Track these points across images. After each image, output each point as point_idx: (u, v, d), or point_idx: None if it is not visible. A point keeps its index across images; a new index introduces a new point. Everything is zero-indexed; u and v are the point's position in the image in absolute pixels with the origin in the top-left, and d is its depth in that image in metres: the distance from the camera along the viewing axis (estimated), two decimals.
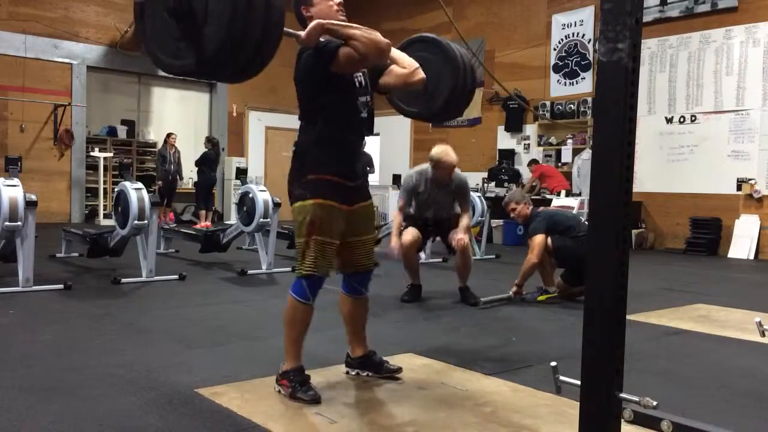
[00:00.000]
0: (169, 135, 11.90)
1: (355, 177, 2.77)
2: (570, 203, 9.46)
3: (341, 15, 2.65)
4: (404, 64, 2.78)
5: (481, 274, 6.71)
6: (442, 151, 4.79)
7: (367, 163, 12.00)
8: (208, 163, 11.67)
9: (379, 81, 2.82)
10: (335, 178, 2.67)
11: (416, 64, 2.78)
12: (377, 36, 2.48)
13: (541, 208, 5.37)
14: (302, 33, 2.48)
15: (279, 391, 2.69)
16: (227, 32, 1.89)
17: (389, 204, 11.73)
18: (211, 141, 11.93)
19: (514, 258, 8.36)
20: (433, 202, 5.01)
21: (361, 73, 2.74)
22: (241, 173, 7.51)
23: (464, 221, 4.97)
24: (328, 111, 2.65)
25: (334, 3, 2.67)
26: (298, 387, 2.62)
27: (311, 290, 2.67)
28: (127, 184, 5.55)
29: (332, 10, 2.65)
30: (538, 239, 4.87)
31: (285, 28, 2.28)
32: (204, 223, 11.34)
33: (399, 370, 2.96)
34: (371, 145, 12.71)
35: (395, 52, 2.79)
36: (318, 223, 2.62)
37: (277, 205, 6.45)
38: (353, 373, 2.98)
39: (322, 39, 2.53)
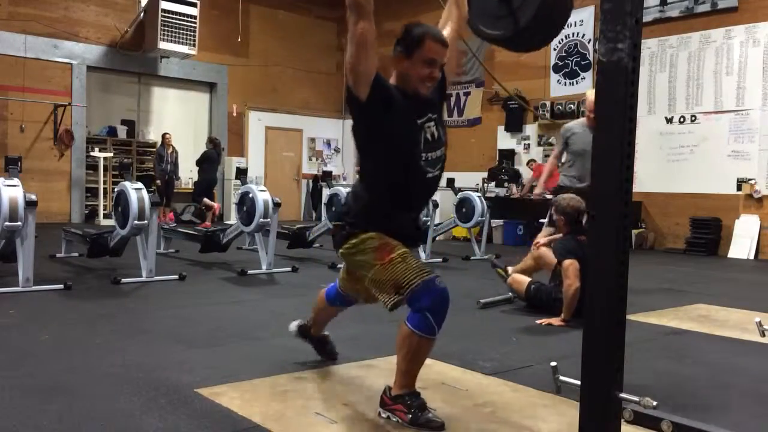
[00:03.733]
0: (164, 135, 11.92)
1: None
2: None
3: (427, 85, 2.43)
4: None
5: (480, 274, 6.72)
6: (590, 89, 4.64)
7: None
8: (209, 162, 11.68)
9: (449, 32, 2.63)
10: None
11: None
12: None
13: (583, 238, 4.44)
14: None
15: (387, 417, 2.41)
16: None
17: None
18: (213, 141, 11.95)
19: (514, 258, 8.35)
20: (586, 153, 4.89)
21: (433, 123, 2.47)
22: (241, 173, 7.50)
23: None
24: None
25: (426, 73, 2.39)
26: (419, 413, 2.34)
27: (437, 315, 2.31)
28: (127, 184, 5.55)
29: (421, 76, 2.40)
30: (567, 263, 4.28)
31: None
32: (212, 207, 11.56)
33: (335, 356, 3.17)
34: None
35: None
36: (389, 243, 2.40)
37: (277, 205, 6.45)
38: (297, 338, 3.19)
39: None
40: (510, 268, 5.00)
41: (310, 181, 14.80)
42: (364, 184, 2.53)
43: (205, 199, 11.78)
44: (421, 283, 2.28)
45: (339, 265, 6.84)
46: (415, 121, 2.42)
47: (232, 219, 9.33)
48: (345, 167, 15.47)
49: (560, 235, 4.65)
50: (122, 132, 12.93)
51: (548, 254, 4.80)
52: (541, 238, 5.06)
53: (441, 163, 2.51)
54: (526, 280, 4.74)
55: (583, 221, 4.50)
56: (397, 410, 2.39)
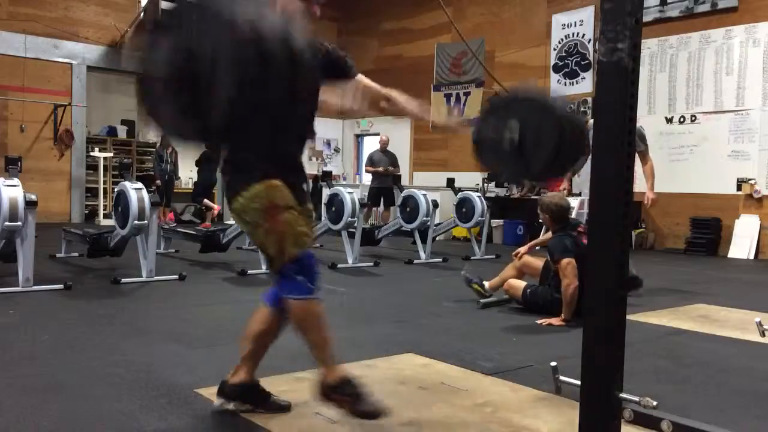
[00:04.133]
0: (164, 135, 11.91)
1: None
2: (570, 203, 9.45)
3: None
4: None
5: (480, 274, 6.71)
6: None
7: (392, 162, 11.69)
8: (208, 162, 11.68)
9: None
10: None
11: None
12: None
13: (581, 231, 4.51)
14: None
15: (327, 408, 2.35)
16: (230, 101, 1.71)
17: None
18: None
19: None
20: None
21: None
22: None
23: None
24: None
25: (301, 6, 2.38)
26: (358, 401, 2.27)
27: (309, 277, 2.27)
28: (127, 184, 5.55)
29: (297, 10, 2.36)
30: (565, 262, 4.27)
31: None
32: (212, 209, 11.52)
33: (288, 406, 2.54)
34: (375, 145, 12.62)
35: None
36: (276, 204, 2.27)
37: None
38: (229, 406, 2.47)
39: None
40: (487, 283, 4.90)
41: (310, 181, 14.80)
42: (236, 130, 2.33)
43: (206, 200, 11.78)
44: (297, 254, 2.26)
45: (339, 265, 6.88)
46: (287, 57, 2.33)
47: (232, 219, 9.32)
48: (345, 167, 15.48)
49: (542, 239, 4.59)
50: (122, 132, 12.94)
51: (533, 261, 4.80)
52: (522, 248, 4.98)
53: (310, 104, 2.46)
54: (521, 284, 4.71)
55: (570, 217, 4.52)
56: (337, 400, 2.31)
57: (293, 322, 2.33)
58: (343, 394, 2.29)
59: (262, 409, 2.49)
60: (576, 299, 4.18)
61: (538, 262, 4.74)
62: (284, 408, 2.51)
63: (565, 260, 4.25)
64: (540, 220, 4.95)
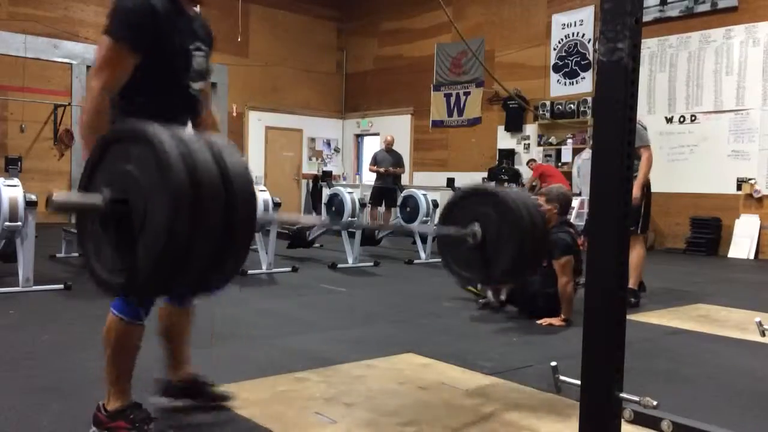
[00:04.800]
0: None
1: None
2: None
3: None
4: None
5: None
6: None
7: (397, 162, 11.62)
8: None
9: None
10: None
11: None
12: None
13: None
14: None
15: None
16: (165, 244, 1.43)
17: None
18: None
19: None
20: None
21: (202, 54, 2.37)
22: None
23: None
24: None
25: None
26: (144, 427, 2.14)
27: (144, 303, 2.15)
28: None
29: None
30: (565, 260, 4.28)
31: None
32: None
33: (229, 396, 2.50)
34: (375, 145, 12.59)
35: None
36: None
37: (277, 205, 6.45)
38: (178, 403, 2.46)
39: None
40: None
41: (310, 181, 14.80)
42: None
43: None
44: None
45: (339, 265, 6.87)
46: (188, 46, 2.28)
47: None
48: (345, 167, 15.48)
49: None
50: None
51: None
52: None
53: (200, 95, 2.43)
54: None
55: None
56: (119, 428, 2.14)
57: (106, 339, 2.21)
58: (127, 420, 2.15)
59: (202, 401, 2.46)
60: (573, 297, 4.19)
61: None
62: (225, 398, 2.47)
63: (566, 258, 4.26)
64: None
